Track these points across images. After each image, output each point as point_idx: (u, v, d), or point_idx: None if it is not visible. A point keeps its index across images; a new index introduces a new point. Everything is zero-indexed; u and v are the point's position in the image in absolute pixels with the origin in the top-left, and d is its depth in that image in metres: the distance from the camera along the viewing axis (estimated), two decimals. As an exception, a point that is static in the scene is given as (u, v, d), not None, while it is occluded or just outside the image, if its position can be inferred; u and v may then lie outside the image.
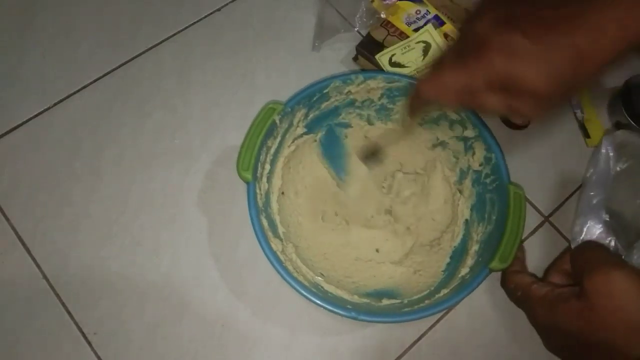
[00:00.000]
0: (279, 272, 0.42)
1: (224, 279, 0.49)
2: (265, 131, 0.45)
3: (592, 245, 0.40)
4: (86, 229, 0.50)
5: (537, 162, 0.55)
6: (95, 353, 0.47)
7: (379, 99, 0.51)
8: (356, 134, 0.54)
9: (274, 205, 0.49)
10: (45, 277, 0.49)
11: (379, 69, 0.53)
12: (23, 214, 0.50)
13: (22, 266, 0.49)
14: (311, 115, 0.50)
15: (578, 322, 0.36)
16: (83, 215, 0.51)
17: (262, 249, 0.42)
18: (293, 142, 0.51)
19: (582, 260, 0.39)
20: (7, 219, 0.50)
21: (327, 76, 0.48)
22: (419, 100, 0.38)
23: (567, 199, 0.53)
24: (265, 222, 0.45)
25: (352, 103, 0.51)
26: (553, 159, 0.55)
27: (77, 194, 0.52)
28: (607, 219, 0.41)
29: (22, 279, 0.48)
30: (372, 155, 0.51)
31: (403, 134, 0.52)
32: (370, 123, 0.53)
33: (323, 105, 0.50)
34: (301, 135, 0.51)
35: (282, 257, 0.44)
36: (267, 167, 0.48)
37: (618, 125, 0.56)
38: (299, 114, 0.49)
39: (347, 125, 0.53)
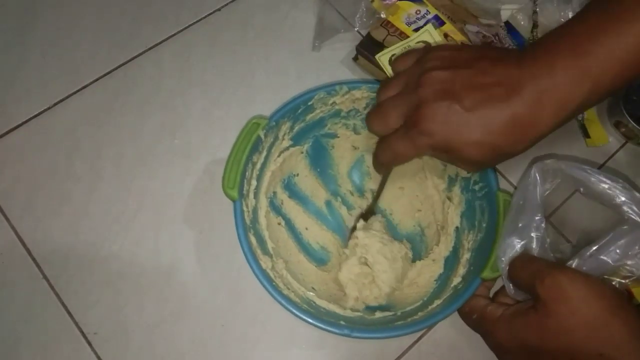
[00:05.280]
0: (270, 293, 0.41)
1: (225, 279, 0.50)
2: (250, 147, 0.44)
3: (532, 258, 0.40)
4: (86, 229, 0.50)
5: (537, 162, 0.55)
6: (95, 353, 0.47)
7: (364, 108, 0.50)
8: (343, 144, 0.53)
9: (262, 221, 0.48)
10: (45, 277, 0.49)
11: (372, 74, 0.53)
12: (23, 214, 0.50)
13: (22, 266, 0.49)
14: (296, 128, 0.50)
15: (539, 333, 0.36)
16: (83, 215, 0.51)
17: (252, 268, 0.42)
18: (279, 155, 0.50)
19: (528, 272, 0.38)
20: (7, 219, 0.50)
21: (311, 87, 0.47)
22: (380, 163, 0.44)
23: (566, 199, 0.54)
24: (254, 240, 0.44)
25: (337, 113, 0.50)
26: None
27: (77, 193, 0.52)
28: (537, 240, 0.41)
29: (22, 278, 0.49)
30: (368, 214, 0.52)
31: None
32: (356, 132, 0.52)
33: (308, 117, 0.49)
34: (287, 148, 0.50)
35: (272, 274, 0.44)
36: (254, 183, 0.47)
37: (618, 125, 0.56)
38: (284, 127, 0.48)
39: (334, 136, 0.53)
